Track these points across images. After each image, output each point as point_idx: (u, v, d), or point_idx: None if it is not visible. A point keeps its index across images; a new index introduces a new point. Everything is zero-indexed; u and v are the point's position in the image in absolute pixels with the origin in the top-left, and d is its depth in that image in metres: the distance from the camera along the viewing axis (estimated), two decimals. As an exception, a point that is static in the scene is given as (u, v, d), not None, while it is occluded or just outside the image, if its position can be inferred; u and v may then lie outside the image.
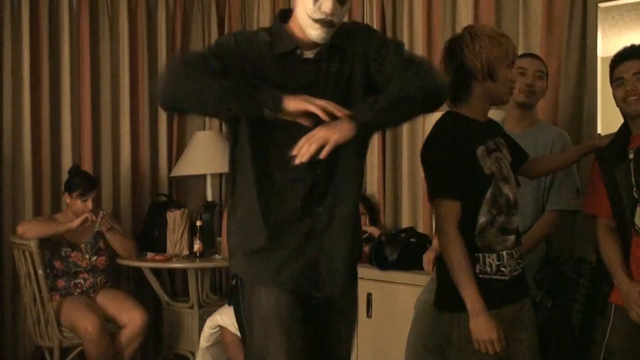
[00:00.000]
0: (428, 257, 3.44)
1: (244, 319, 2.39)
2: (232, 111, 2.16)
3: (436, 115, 2.58)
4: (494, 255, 2.40)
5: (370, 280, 3.71)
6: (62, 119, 4.88)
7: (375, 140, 4.34)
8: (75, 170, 4.55)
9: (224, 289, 5.16)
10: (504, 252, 2.41)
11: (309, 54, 2.24)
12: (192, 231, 4.65)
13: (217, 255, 4.60)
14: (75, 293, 4.37)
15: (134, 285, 5.00)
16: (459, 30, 2.59)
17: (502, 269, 2.41)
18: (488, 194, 2.38)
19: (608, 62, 2.81)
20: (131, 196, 5.08)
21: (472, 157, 2.37)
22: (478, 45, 2.39)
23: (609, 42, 3.70)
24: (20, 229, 4.32)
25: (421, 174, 3.24)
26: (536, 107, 3.36)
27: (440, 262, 2.45)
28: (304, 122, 2.08)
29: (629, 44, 2.77)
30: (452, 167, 2.37)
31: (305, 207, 2.27)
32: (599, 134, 3.67)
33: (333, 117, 2.08)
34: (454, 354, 2.41)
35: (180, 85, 2.12)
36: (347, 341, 2.48)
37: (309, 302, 2.32)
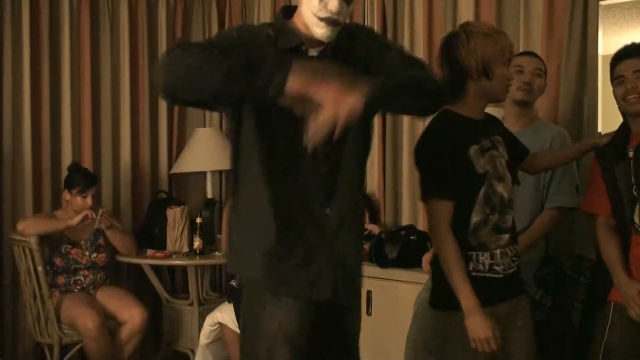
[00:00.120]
0: (426, 258, 3.44)
1: (247, 326, 2.31)
2: (236, 90, 2.00)
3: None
4: (488, 253, 2.40)
5: (370, 278, 3.70)
6: (62, 117, 4.88)
7: (375, 137, 4.33)
8: (75, 167, 4.55)
9: (224, 286, 5.16)
10: (498, 251, 2.41)
11: (313, 52, 2.22)
12: (192, 228, 4.65)
13: (217, 253, 4.60)
14: (75, 290, 4.38)
15: (133, 282, 5.00)
16: (459, 29, 2.59)
17: (496, 267, 2.41)
18: (481, 193, 2.38)
19: (609, 60, 2.80)
20: (131, 193, 5.08)
21: (465, 156, 2.37)
22: (473, 43, 2.38)
23: (610, 40, 3.71)
24: (20, 226, 4.32)
25: (420, 172, 3.24)
26: (535, 105, 3.36)
27: (436, 261, 2.45)
28: (302, 110, 1.98)
29: (629, 42, 2.76)
30: (443, 166, 2.37)
31: (314, 209, 2.23)
32: (599, 133, 3.67)
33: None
34: (451, 352, 2.41)
35: (180, 69, 1.99)
36: (358, 339, 2.48)
37: (322, 309, 2.27)
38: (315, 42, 2.20)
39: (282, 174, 2.21)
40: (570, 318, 3.00)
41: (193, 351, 4.50)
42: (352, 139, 2.26)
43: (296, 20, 2.23)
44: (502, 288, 2.42)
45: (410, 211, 4.31)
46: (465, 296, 2.33)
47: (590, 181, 2.86)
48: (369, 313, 3.70)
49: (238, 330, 3.57)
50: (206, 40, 2.19)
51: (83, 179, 4.43)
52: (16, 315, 4.73)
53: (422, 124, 4.06)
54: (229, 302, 4.06)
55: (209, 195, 5.06)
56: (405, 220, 4.31)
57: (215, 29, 5.32)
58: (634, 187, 2.62)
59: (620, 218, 2.68)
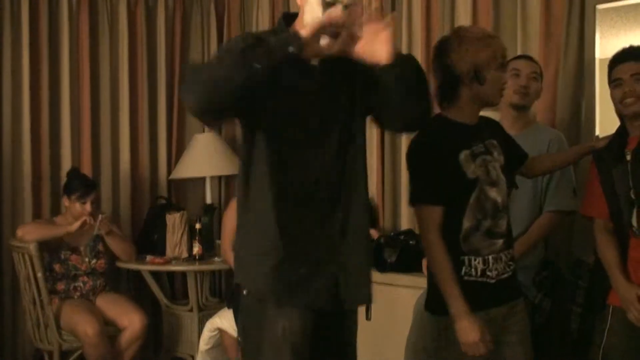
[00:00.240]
0: (426, 262, 3.44)
1: (248, 336, 2.30)
2: (260, 66, 1.99)
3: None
4: (480, 258, 2.40)
5: (369, 282, 3.70)
6: (61, 121, 4.88)
7: (374, 142, 4.35)
8: (74, 173, 4.55)
9: (224, 291, 5.16)
10: (490, 257, 2.41)
11: (314, 61, 2.22)
12: (192, 234, 4.65)
13: (216, 258, 4.59)
14: (75, 296, 4.37)
15: (133, 288, 4.99)
16: (457, 31, 2.59)
17: (488, 272, 2.41)
18: (472, 199, 2.38)
19: (606, 63, 2.81)
20: (130, 199, 5.08)
21: (455, 161, 2.37)
22: (464, 49, 2.37)
23: (607, 44, 3.70)
24: (19, 232, 4.32)
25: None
26: (531, 109, 3.36)
27: None
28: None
29: (627, 45, 2.77)
30: (432, 172, 2.38)
31: (322, 218, 2.23)
32: (597, 136, 3.66)
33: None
34: (450, 357, 2.41)
35: (204, 77, 2.02)
36: (355, 344, 2.48)
37: (323, 315, 2.27)
38: None
39: (291, 184, 2.20)
40: (569, 321, 3.01)
41: (193, 357, 4.50)
42: (357, 145, 2.29)
43: (298, 27, 2.22)
44: (495, 293, 2.42)
45: (409, 216, 4.30)
46: (454, 301, 2.34)
47: (587, 184, 2.86)
48: (368, 318, 3.69)
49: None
50: (215, 50, 2.18)
51: (82, 185, 4.43)
52: (16, 322, 4.72)
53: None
54: (228, 307, 4.05)
55: (208, 200, 5.06)
56: (404, 225, 4.31)
57: (214, 32, 5.32)
58: (631, 190, 2.62)
59: (618, 221, 2.68)
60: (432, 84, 2.37)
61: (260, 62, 1.98)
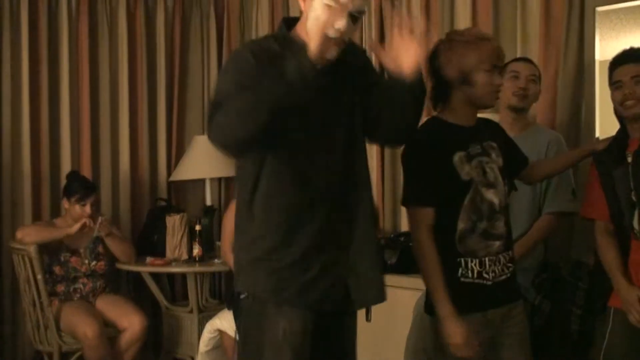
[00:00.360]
0: None
1: (248, 338, 2.29)
2: (285, 104, 2.02)
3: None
4: (477, 260, 2.40)
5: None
6: (61, 123, 4.88)
7: (373, 144, 4.35)
8: (74, 175, 4.55)
9: (224, 293, 5.16)
10: (487, 258, 2.41)
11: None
12: (192, 235, 4.65)
13: (216, 260, 4.59)
14: (75, 298, 4.37)
15: (133, 290, 4.99)
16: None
17: (485, 274, 2.41)
18: (467, 200, 2.38)
19: (606, 65, 2.81)
20: (130, 201, 5.08)
21: (448, 163, 2.38)
22: (452, 52, 2.39)
23: (607, 46, 3.71)
24: (19, 234, 4.32)
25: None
26: (530, 111, 3.36)
27: None
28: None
29: (627, 47, 2.77)
30: (425, 173, 2.39)
31: (329, 221, 2.22)
32: (597, 138, 3.67)
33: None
34: (444, 358, 2.42)
35: (232, 125, 2.05)
36: (355, 345, 2.48)
37: (326, 318, 2.27)
38: None
39: (299, 187, 2.20)
40: (569, 323, 3.00)
41: (193, 358, 4.50)
42: (360, 147, 2.31)
43: (300, 32, 2.22)
44: (493, 294, 2.42)
45: (409, 217, 4.30)
46: (441, 303, 2.35)
47: (588, 186, 2.85)
48: (368, 319, 3.69)
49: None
50: (231, 83, 2.14)
51: (82, 187, 4.43)
52: (16, 323, 4.72)
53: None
54: (228, 309, 4.05)
55: (208, 202, 5.06)
56: (404, 226, 4.30)
57: (213, 34, 5.33)
58: (632, 192, 2.61)
59: (619, 223, 2.68)
60: (428, 86, 2.39)
61: (284, 102, 2.00)
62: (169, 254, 4.65)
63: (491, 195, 2.42)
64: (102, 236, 4.43)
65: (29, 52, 4.75)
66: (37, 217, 4.76)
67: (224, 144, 2.12)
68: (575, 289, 3.04)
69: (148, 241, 4.85)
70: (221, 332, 4.13)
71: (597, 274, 2.82)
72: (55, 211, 4.77)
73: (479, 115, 2.59)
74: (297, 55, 2.00)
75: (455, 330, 2.33)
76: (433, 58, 2.45)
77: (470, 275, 2.40)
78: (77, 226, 4.26)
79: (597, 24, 3.65)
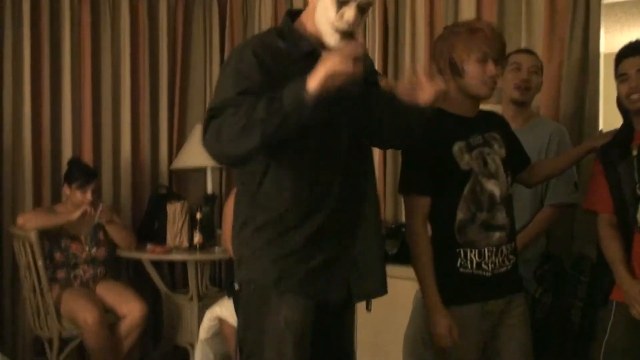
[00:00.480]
0: None
1: (249, 327, 2.29)
2: (279, 132, 2.01)
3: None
4: (476, 251, 2.41)
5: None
6: (62, 110, 4.87)
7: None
8: (75, 161, 4.55)
9: (224, 281, 5.16)
10: (486, 249, 2.41)
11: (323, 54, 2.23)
12: (192, 223, 4.65)
13: (217, 248, 4.60)
14: (75, 284, 4.38)
15: (133, 277, 4.99)
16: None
17: (484, 265, 2.42)
18: (466, 190, 2.39)
19: (611, 58, 2.80)
20: (131, 188, 5.08)
21: (448, 152, 2.39)
22: (443, 44, 2.43)
23: (612, 39, 3.70)
24: (20, 220, 4.32)
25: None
26: (533, 103, 3.36)
27: None
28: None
29: (634, 39, 2.75)
30: (422, 162, 2.41)
31: (335, 214, 2.23)
32: (601, 130, 3.66)
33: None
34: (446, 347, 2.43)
35: (226, 144, 2.04)
36: (353, 336, 2.49)
37: (326, 307, 2.28)
38: (324, 45, 2.19)
39: (307, 181, 2.20)
40: (570, 316, 3.00)
41: (192, 346, 4.50)
42: (364, 145, 2.32)
43: (306, 23, 2.22)
44: (492, 286, 2.44)
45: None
46: (427, 292, 2.40)
47: (591, 179, 2.85)
48: (368, 309, 3.70)
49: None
50: (231, 86, 2.12)
51: (83, 173, 4.43)
52: (16, 310, 4.73)
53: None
54: (228, 297, 4.06)
55: (209, 190, 5.06)
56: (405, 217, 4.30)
57: (216, 25, 5.32)
58: (637, 185, 2.61)
59: (622, 216, 2.67)
60: None
61: (280, 130, 1.99)
62: (169, 241, 4.65)
63: (492, 186, 2.42)
64: (103, 223, 4.43)
65: (31, 41, 4.73)
66: (37, 203, 4.75)
67: (217, 158, 2.13)
68: (577, 282, 3.04)
69: (149, 228, 4.86)
70: (221, 320, 4.13)
71: (599, 267, 2.82)
72: (56, 197, 4.77)
73: (485, 107, 2.59)
74: (296, 87, 1.97)
75: (439, 321, 2.37)
76: (433, 49, 2.48)
77: (469, 265, 2.41)
78: (78, 213, 4.26)
79: (602, 17, 3.64)
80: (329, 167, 2.21)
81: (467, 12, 4.03)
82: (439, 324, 2.37)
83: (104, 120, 5.03)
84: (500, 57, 2.42)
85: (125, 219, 4.93)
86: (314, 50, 2.18)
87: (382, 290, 2.36)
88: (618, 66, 2.73)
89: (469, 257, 2.40)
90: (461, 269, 2.40)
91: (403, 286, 3.66)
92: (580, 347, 2.94)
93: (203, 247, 4.58)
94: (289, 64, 2.16)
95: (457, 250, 2.40)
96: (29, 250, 4.21)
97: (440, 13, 4.20)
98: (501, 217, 2.44)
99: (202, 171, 5.15)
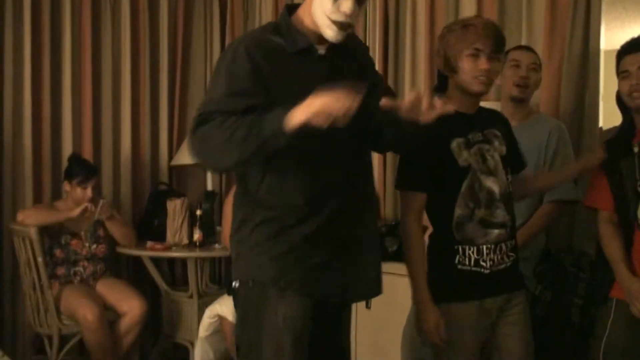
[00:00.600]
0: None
1: (247, 324, 2.28)
2: (255, 156, 2.07)
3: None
4: (474, 248, 2.41)
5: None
6: (62, 107, 4.87)
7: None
8: (75, 158, 4.55)
9: (224, 278, 5.16)
10: (484, 247, 2.41)
11: (321, 50, 2.22)
12: (192, 220, 4.64)
13: (216, 245, 4.60)
14: (75, 281, 4.38)
15: (133, 274, 4.99)
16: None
17: (482, 262, 2.42)
18: (464, 187, 2.39)
19: (611, 55, 2.79)
20: (131, 185, 5.07)
21: (446, 149, 2.39)
22: (440, 42, 2.46)
23: (613, 35, 3.69)
24: (20, 216, 4.32)
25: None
26: (531, 100, 3.35)
27: (427, 255, 2.49)
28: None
29: (635, 36, 2.74)
30: (419, 158, 2.41)
31: (335, 214, 2.23)
32: (601, 128, 3.67)
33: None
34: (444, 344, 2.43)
35: (206, 156, 2.12)
36: (349, 334, 2.50)
37: (324, 305, 2.29)
38: (322, 40, 2.19)
39: (308, 178, 2.20)
40: (569, 314, 3.00)
41: (192, 343, 4.50)
42: (364, 146, 2.33)
43: (303, 17, 2.20)
44: (490, 283, 2.43)
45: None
46: (418, 288, 2.41)
47: (592, 176, 2.84)
48: (368, 306, 3.70)
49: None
50: (222, 88, 2.13)
51: (83, 170, 4.43)
52: (16, 306, 4.72)
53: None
54: (228, 294, 4.05)
55: (209, 187, 5.06)
56: (405, 214, 4.29)
57: (216, 20, 5.33)
58: (638, 183, 2.60)
59: (623, 214, 2.66)
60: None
61: (256, 154, 2.04)
62: (169, 238, 4.65)
63: (491, 183, 2.42)
64: (103, 219, 4.43)
65: (32, 36, 4.73)
66: (38, 199, 4.75)
67: (201, 166, 2.18)
68: (577, 279, 3.03)
69: (148, 225, 4.85)
70: (221, 317, 4.13)
71: (599, 264, 2.81)
72: (56, 194, 4.77)
73: (484, 104, 2.59)
74: (278, 118, 1.98)
75: (427, 316, 2.38)
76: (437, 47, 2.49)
77: (467, 262, 2.41)
78: (78, 210, 4.25)
79: (602, 13, 3.63)
80: (328, 166, 2.21)
81: (468, 9, 4.02)
82: (428, 319, 2.39)
83: (104, 116, 5.03)
84: (495, 52, 2.40)
85: (125, 215, 4.93)
86: (310, 46, 2.18)
87: (377, 290, 2.38)
88: (619, 63, 2.72)
89: (467, 254, 2.41)
90: (459, 266, 2.41)
91: (402, 283, 3.65)
92: (579, 345, 2.93)
93: (203, 244, 4.58)
94: (284, 60, 2.15)
95: (456, 247, 2.41)
96: (29, 246, 4.21)
97: (441, 10, 4.19)
98: (501, 214, 2.44)
99: (202, 168, 5.14)
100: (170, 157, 5.19)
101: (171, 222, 4.65)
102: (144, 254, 4.67)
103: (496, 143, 2.48)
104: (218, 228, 4.76)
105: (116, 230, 4.51)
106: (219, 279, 5.22)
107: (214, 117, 2.07)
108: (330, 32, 2.14)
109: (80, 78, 4.93)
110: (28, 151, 4.72)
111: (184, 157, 4.96)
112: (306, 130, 1.96)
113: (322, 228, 2.21)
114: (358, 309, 2.56)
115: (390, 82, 4.25)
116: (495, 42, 2.39)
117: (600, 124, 3.62)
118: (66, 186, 4.46)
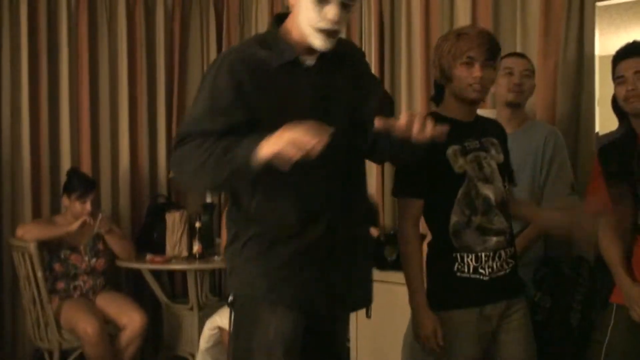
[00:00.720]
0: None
1: (239, 337, 2.29)
2: (227, 183, 2.14)
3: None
4: (473, 255, 2.41)
5: (369, 280, 3.70)
6: (60, 120, 4.88)
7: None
8: (74, 172, 4.55)
9: (223, 290, 5.15)
10: (483, 254, 2.42)
11: (309, 61, 2.19)
12: (191, 232, 4.64)
13: (216, 257, 4.59)
14: (75, 295, 4.37)
15: (133, 287, 4.99)
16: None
17: (481, 270, 2.42)
18: (460, 194, 2.40)
19: (605, 60, 2.80)
20: (130, 198, 5.07)
21: (441, 156, 2.39)
22: (435, 52, 2.47)
23: (607, 41, 3.70)
24: (20, 232, 4.32)
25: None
26: (527, 106, 3.36)
27: (427, 262, 2.50)
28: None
29: (631, 41, 2.74)
30: (415, 165, 2.40)
31: (328, 226, 2.22)
32: (597, 133, 3.67)
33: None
34: (445, 351, 2.42)
35: (184, 177, 2.19)
36: (346, 345, 2.50)
37: (317, 317, 2.28)
38: (311, 50, 2.17)
39: (300, 192, 2.19)
40: (569, 319, 2.99)
41: (193, 355, 4.49)
42: (358, 156, 2.32)
43: (290, 28, 2.18)
44: (490, 290, 2.43)
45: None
46: (414, 293, 2.42)
47: (591, 180, 2.83)
48: (368, 315, 3.69)
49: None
50: (204, 104, 2.15)
51: (82, 184, 4.43)
52: (16, 321, 4.72)
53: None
54: (228, 306, 4.05)
55: (208, 199, 5.05)
56: (404, 223, 4.29)
57: (213, 30, 5.34)
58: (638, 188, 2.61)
59: (632, 219, 2.65)
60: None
61: (229, 180, 2.08)
62: (169, 251, 4.64)
63: (487, 190, 2.42)
64: (102, 233, 4.43)
65: (29, 48, 4.74)
66: (37, 214, 4.75)
67: (181, 186, 2.20)
68: (576, 284, 3.03)
69: (148, 238, 4.85)
70: (221, 329, 4.13)
71: (598, 269, 2.81)
72: (55, 208, 4.77)
73: (480, 112, 2.60)
74: (250, 147, 1.99)
75: (424, 322, 2.39)
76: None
77: (466, 270, 2.41)
78: (77, 224, 4.26)
79: (597, 19, 3.64)
80: (322, 181, 2.20)
81: (463, 16, 4.04)
82: (424, 325, 2.39)
83: (102, 129, 5.03)
84: (489, 59, 2.41)
85: (124, 228, 4.93)
86: (296, 58, 2.16)
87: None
88: (615, 68, 2.72)
89: (465, 261, 2.41)
90: (458, 273, 2.41)
91: (402, 292, 3.65)
92: (579, 350, 2.93)
93: (202, 256, 4.57)
94: (269, 75, 2.14)
95: (454, 254, 2.41)
96: (28, 261, 4.21)
97: (436, 14, 4.19)
98: (499, 221, 2.44)
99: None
100: (169, 170, 5.18)
101: (170, 234, 4.64)
102: (144, 266, 4.67)
103: (493, 151, 2.49)
104: (217, 240, 4.76)
105: (115, 243, 4.51)
106: (219, 291, 5.21)
107: (194, 138, 2.09)
108: (317, 41, 2.12)
109: (78, 91, 4.95)
110: (27, 166, 4.73)
111: (182, 169, 4.97)
112: (276, 162, 1.96)
113: (313, 244, 2.20)
114: (359, 317, 2.56)
115: (386, 86, 4.25)
116: (488, 49, 2.40)
117: (596, 129, 3.63)
118: (65, 201, 4.46)
